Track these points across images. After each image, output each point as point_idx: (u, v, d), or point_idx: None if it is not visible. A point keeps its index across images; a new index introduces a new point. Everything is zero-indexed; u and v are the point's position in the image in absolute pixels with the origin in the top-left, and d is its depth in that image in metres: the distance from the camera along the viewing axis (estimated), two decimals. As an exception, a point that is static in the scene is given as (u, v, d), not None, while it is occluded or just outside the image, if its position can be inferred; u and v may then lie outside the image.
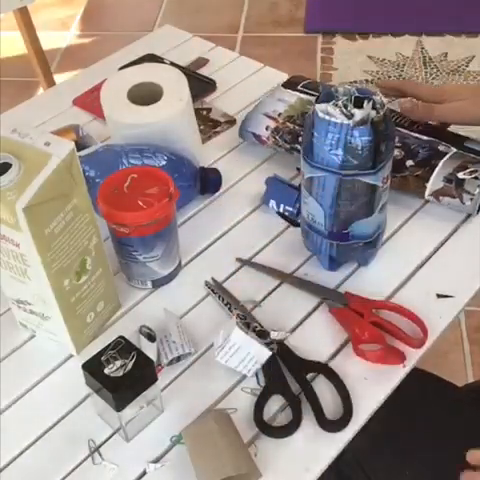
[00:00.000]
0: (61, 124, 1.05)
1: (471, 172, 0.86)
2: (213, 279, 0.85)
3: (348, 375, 0.74)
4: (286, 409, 0.72)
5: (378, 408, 0.72)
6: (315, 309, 0.81)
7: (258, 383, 0.74)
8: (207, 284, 0.84)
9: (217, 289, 0.83)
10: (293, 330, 0.79)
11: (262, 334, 0.77)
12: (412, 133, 0.91)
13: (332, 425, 0.70)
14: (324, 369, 0.75)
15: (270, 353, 0.74)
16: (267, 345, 0.75)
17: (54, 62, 2.55)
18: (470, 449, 0.65)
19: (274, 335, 0.77)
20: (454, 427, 0.86)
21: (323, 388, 0.73)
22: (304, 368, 0.75)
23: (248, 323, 0.78)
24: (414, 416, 0.87)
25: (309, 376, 0.74)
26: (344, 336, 0.78)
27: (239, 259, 0.87)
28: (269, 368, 0.74)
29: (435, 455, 0.84)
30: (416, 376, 0.76)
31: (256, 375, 0.75)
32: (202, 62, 1.19)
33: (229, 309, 0.81)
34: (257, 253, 0.88)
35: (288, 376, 0.74)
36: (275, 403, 0.72)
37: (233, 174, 0.98)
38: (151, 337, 0.78)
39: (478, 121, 0.76)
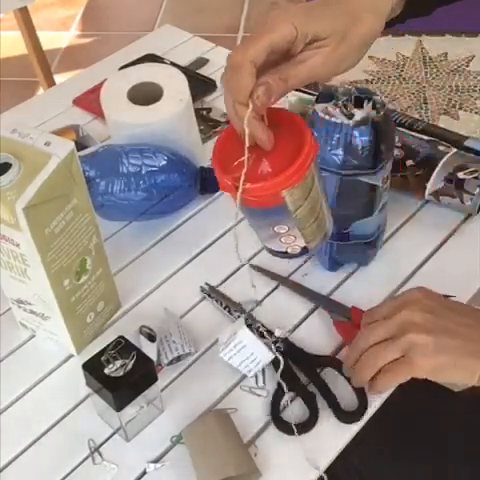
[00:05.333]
0: (61, 124, 1.05)
1: (471, 172, 0.86)
2: (207, 284, 0.84)
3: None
4: (301, 405, 0.72)
5: (376, 410, 0.72)
6: (318, 306, 0.82)
7: (256, 383, 0.74)
8: (202, 289, 0.84)
9: (213, 293, 0.83)
10: (296, 327, 0.79)
11: (266, 334, 0.77)
12: (412, 133, 0.91)
13: (349, 416, 0.71)
14: (334, 362, 0.75)
15: (273, 356, 0.73)
16: (274, 344, 0.75)
17: (54, 62, 2.55)
18: None
19: (279, 333, 0.77)
20: (452, 434, 0.86)
21: (333, 381, 0.73)
22: (313, 363, 0.75)
23: (250, 324, 0.78)
24: (413, 423, 0.87)
25: (318, 370, 0.75)
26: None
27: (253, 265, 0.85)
28: (279, 366, 0.74)
29: (435, 461, 0.84)
30: (411, 384, 0.76)
31: (256, 376, 0.75)
32: (202, 62, 1.19)
33: (229, 312, 0.81)
34: (257, 253, 0.88)
35: (298, 372, 0.74)
36: (290, 401, 0.73)
37: (233, 174, 0.98)
38: (151, 337, 0.78)
39: (330, 77, 0.68)
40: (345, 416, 0.71)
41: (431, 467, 0.83)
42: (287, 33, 0.59)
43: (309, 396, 0.72)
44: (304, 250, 0.69)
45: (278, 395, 0.72)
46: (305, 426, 0.70)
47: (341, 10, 0.63)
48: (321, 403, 0.72)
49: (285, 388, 0.71)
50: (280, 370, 0.70)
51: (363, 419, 0.71)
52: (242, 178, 0.58)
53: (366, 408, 0.71)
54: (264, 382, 0.75)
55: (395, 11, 0.67)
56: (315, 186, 0.63)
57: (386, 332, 0.66)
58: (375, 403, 0.72)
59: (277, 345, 0.76)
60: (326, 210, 0.68)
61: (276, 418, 0.71)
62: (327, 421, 0.71)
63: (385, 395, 0.73)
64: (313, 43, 0.61)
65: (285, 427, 0.70)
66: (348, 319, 0.78)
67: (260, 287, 0.84)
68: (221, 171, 0.60)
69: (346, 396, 0.72)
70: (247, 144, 0.58)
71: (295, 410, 0.72)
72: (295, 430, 0.69)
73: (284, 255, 0.70)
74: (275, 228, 0.66)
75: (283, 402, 0.72)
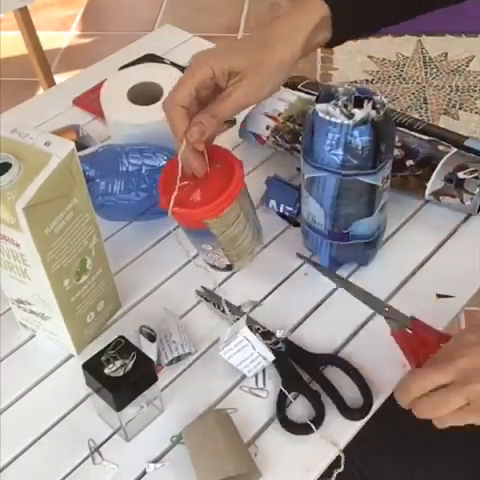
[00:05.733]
0: (61, 124, 1.05)
1: (471, 172, 0.86)
2: (203, 287, 0.84)
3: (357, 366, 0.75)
4: (305, 404, 0.72)
5: (376, 411, 0.72)
6: (318, 306, 0.82)
7: (256, 384, 0.74)
8: (198, 293, 0.84)
9: (209, 297, 0.83)
10: (297, 327, 0.79)
11: (266, 335, 0.77)
12: (412, 133, 0.91)
13: (356, 413, 0.71)
14: (335, 360, 0.75)
15: (274, 358, 0.74)
16: (275, 344, 0.75)
17: (54, 62, 2.55)
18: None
19: (280, 333, 0.77)
20: (452, 434, 0.86)
21: (336, 379, 0.74)
22: (315, 362, 0.75)
23: (250, 326, 0.78)
24: (413, 422, 0.87)
25: (321, 369, 0.75)
26: (347, 331, 0.79)
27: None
28: (281, 367, 0.74)
29: (435, 460, 0.84)
30: None
31: (256, 376, 0.75)
32: (202, 62, 1.19)
33: (223, 312, 0.80)
34: (257, 253, 0.88)
35: (301, 372, 0.74)
36: (295, 400, 0.73)
37: (233, 174, 0.98)
38: (151, 337, 0.78)
39: (259, 100, 0.74)
40: (351, 413, 0.71)
41: (431, 466, 0.83)
42: (205, 74, 0.68)
43: (314, 395, 0.72)
44: (229, 267, 0.79)
45: (283, 395, 0.72)
46: (312, 425, 0.70)
47: (253, 44, 0.71)
48: (324, 401, 0.72)
49: (287, 393, 0.72)
50: (282, 369, 0.71)
51: (357, 425, 0.71)
52: (171, 202, 0.69)
53: (371, 405, 0.71)
54: (264, 383, 0.75)
55: (318, 36, 0.74)
56: (241, 216, 0.72)
57: (445, 378, 0.62)
58: (380, 399, 0.72)
59: (278, 346, 0.76)
60: (253, 234, 0.77)
61: (282, 418, 0.71)
62: (329, 419, 0.71)
63: (389, 390, 0.73)
64: (234, 78, 0.69)
65: (292, 427, 0.70)
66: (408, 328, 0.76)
67: (259, 288, 0.84)
68: (162, 192, 0.71)
69: (350, 393, 0.72)
70: (179, 174, 0.69)
71: (299, 409, 0.72)
72: (309, 428, 0.70)
73: (213, 266, 0.80)
74: (202, 245, 0.75)
75: (288, 402, 0.72)
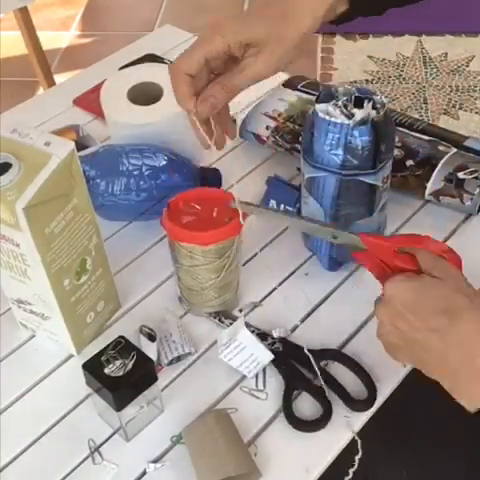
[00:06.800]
0: (61, 124, 1.05)
1: (471, 172, 0.86)
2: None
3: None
4: (311, 401, 0.72)
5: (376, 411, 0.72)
6: (319, 306, 0.82)
7: (256, 385, 0.74)
8: (180, 300, 0.83)
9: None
10: (297, 327, 0.79)
11: (262, 336, 0.77)
12: (412, 133, 0.92)
13: (361, 405, 0.71)
14: (337, 355, 0.75)
15: (273, 357, 0.74)
16: (272, 345, 0.75)
17: (54, 62, 2.55)
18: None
19: (277, 333, 0.77)
20: (453, 427, 0.86)
21: (339, 374, 0.74)
22: (315, 358, 0.75)
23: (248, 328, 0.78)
24: (411, 416, 0.87)
25: (322, 365, 0.75)
26: (347, 330, 0.79)
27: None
28: (282, 366, 0.74)
29: (434, 455, 0.84)
30: (412, 378, 0.76)
31: (256, 377, 0.75)
32: (202, 62, 1.19)
33: (219, 320, 0.80)
34: (257, 253, 0.88)
35: (303, 370, 0.74)
36: (300, 399, 0.73)
37: (233, 174, 0.98)
38: (151, 337, 0.78)
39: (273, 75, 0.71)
40: (357, 405, 0.71)
41: (427, 462, 0.84)
42: (217, 45, 0.65)
43: (319, 391, 0.72)
44: (180, 299, 0.82)
45: (287, 393, 0.72)
46: (320, 421, 0.70)
47: (273, 14, 0.66)
48: (329, 397, 0.72)
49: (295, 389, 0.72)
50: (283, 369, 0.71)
51: (361, 419, 0.71)
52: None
53: (375, 398, 0.71)
54: (264, 384, 0.75)
55: (336, 9, 0.69)
56: (209, 267, 0.75)
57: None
58: (384, 394, 0.73)
59: (276, 346, 0.76)
60: (219, 297, 0.78)
61: (289, 415, 0.71)
62: (335, 414, 0.71)
63: (393, 385, 0.73)
64: (251, 49, 0.65)
65: (299, 424, 0.70)
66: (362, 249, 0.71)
67: (259, 288, 0.84)
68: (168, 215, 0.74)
69: (353, 387, 0.73)
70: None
71: (305, 406, 0.72)
72: (316, 424, 0.70)
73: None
74: (174, 263, 0.78)
75: (293, 399, 0.72)
